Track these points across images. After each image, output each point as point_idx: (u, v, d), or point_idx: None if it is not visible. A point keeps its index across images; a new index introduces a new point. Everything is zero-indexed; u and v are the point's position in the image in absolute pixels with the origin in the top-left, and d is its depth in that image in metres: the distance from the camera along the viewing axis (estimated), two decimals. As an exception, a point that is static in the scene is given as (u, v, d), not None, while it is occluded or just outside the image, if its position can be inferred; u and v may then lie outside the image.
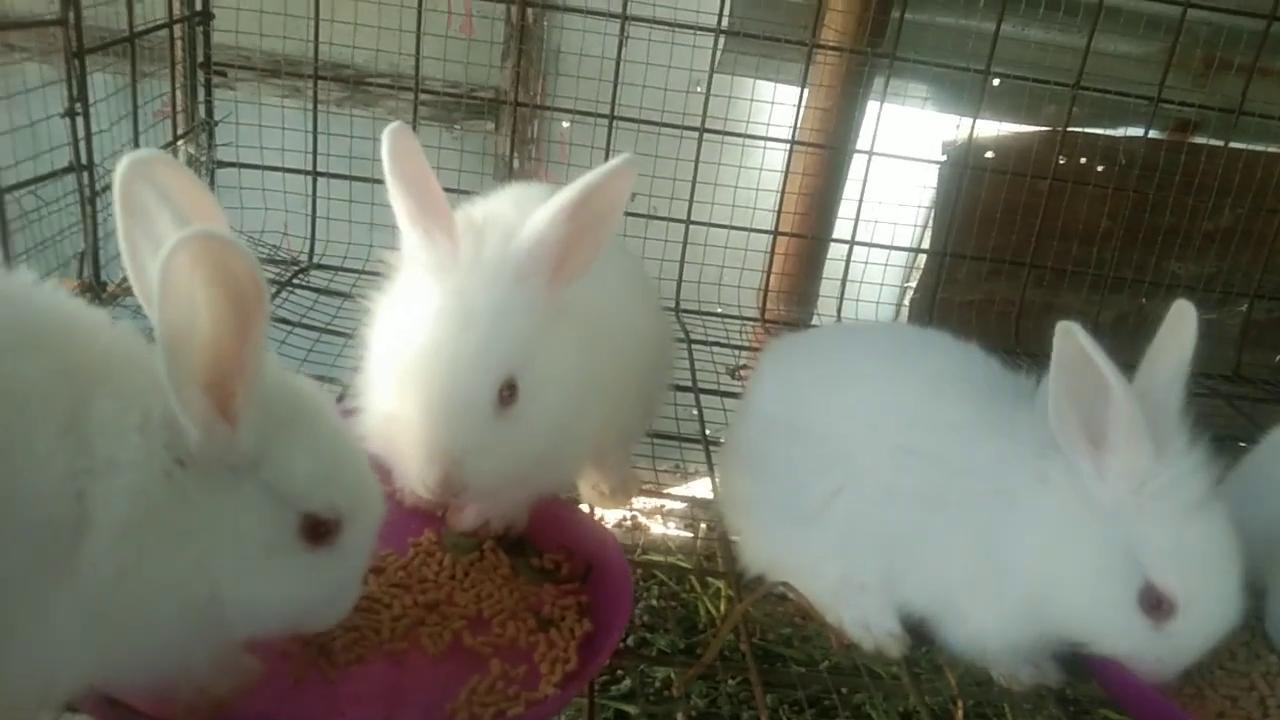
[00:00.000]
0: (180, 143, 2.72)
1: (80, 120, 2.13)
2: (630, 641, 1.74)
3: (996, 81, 2.89)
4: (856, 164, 3.02)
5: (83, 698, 1.03)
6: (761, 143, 2.96)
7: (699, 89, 2.85)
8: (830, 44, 2.92)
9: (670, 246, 2.93)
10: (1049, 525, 1.39)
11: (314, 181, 2.88)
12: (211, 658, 1.06)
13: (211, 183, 2.80)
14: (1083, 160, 3.15)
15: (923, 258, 3.23)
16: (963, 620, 1.47)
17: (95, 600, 0.93)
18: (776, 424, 1.65)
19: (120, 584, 0.93)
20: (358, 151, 2.85)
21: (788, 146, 2.96)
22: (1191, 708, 1.42)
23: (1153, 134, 3.07)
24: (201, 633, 1.02)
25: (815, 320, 3.16)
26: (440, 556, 1.47)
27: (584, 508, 1.79)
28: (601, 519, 1.82)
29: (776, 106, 2.94)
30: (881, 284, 3.11)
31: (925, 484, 1.47)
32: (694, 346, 2.73)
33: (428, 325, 1.32)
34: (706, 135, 2.84)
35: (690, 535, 2.21)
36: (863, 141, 3.00)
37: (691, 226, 2.93)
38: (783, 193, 3.02)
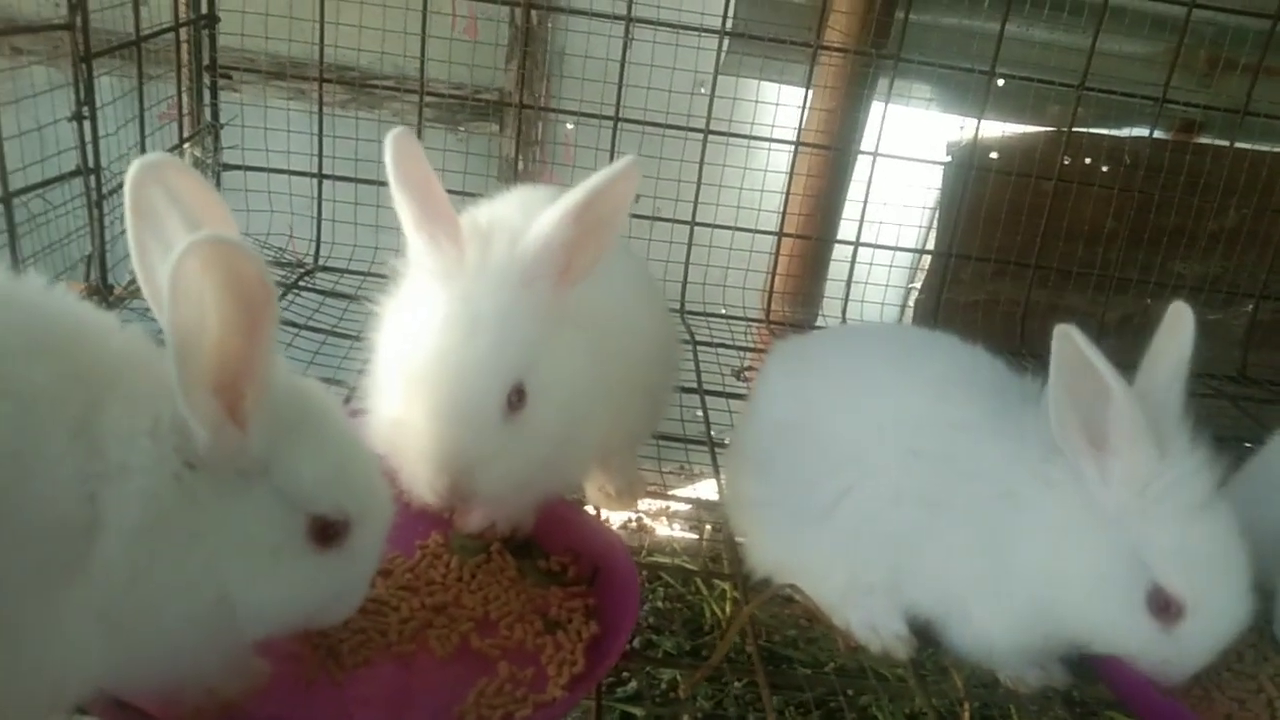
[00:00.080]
0: (186, 145, 2.73)
1: (88, 124, 2.14)
2: (636, 643, 1.74)
3: (1001, 82, 2.89)
4: (861, 165, 3.02)
5: (92, 700, 1.03)
6: (766, 144, 2.96)
7: (703, 90, 2.85)
8: (834, 45, 2.92)
9: (675, 248, 2.93)
10: (1055, 528, 1.39)
11: (319, 184, 2.88)
12: (220, 660, 1.07)
13: (217, 185, 2.80)
14: (1087, 161, 3.15)
15: (927, 259, 3.23)
16: (969, 622, 1.47)
17: (106, 603, 0.93)
18: (783, 426, 1.65)
19: (131, 587, 0.93)
20: (363, 154, 2.86)
21: (792, 148, 2.96)
22: (1199, 710, 1.42)
23: (1157, 134, 3.07)
24: (211, 635, 1.02)
25: (820, 321, 3.16)
26: (447, 559, 1.47)
27: (589, 509, 1.79)
28: (607, 521, 1.82)
29: (781, 108, 2.94)
30: (886, 285, 3.11)
31: (932, 486, 1.47)
32: (699, 348, 2.73)
33: (435, 331, 1.32)
34: (711, 137, 2.84)
35: (695, 537, 2.21)
36: (867, 142, 3.01)
37: (696, 228, 2.93)
38: (787, 194, 3.02)
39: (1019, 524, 1.41)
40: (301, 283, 2.76)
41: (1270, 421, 2.49)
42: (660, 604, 1.91)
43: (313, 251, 2.91)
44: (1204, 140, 3.20)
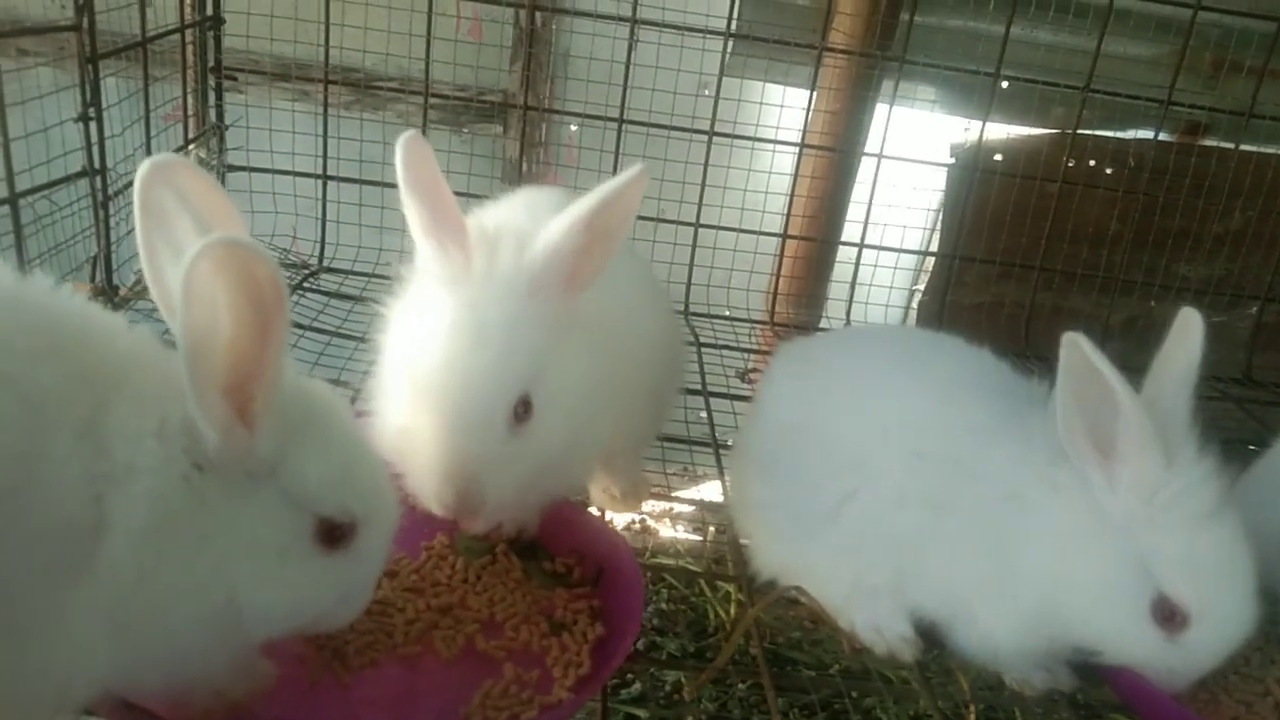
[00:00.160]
0: (191, 147, 2.73)
1: (94, 125, 2.14)
2: (640, 645, 1.74)
3: (1006, 84, 2.89)
4: (865, 167, 3.02)
5: (99, 701, 1.03)
6: (770, 146, 2.96)
7: (708, 92, 2.85)
8: (839, 47, 2.92)
9: (679, 249, 2.93)
10: (1061, 533, 1.39)
11: (324, 185, 2.89)
12: (227, 661, 1.07)
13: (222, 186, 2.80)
14: (1092, 163, 3.15)
15: (931, 260, 3.23)
16: (974, 624, 1.47)
17: (113, 604, 0.93)
18: (788, 428, 1.65)
19: (138, 588, 0.94)
20: (367, 155, 2.86)
21: (796, 149, 2.97)
22: (1205, 713, 1.41)
23: (1162, 136, 3.06)
24: (218, 636, 1.02)
25: (823, 323, 3.16)
26: (453, 560, 1.47)
27: (593, 511, 1.79)
28: (611, 522, 1.82)
29: (785, 110, 2.94)
30: (890, 287, 3.11)
31: (938, 488, 1.47)
32: (703, 350, 2.73)
33: (441, 341, 1.32)
34: (715, 138, 2.85)
35: (699, 538, 2.21)
36: (871, 144, 3.01)
37: (700, 230, 2.93)
38: (791, 196, 3.02)
39: (1025, 527, 1.41)
40: (306, 284, 2.76)
41: (1275, 424, 2.49)
42: (664, 606, 1.91)
43: (317, 253, 2.92)
44: (1209, 142, 3.20)
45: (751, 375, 2.68)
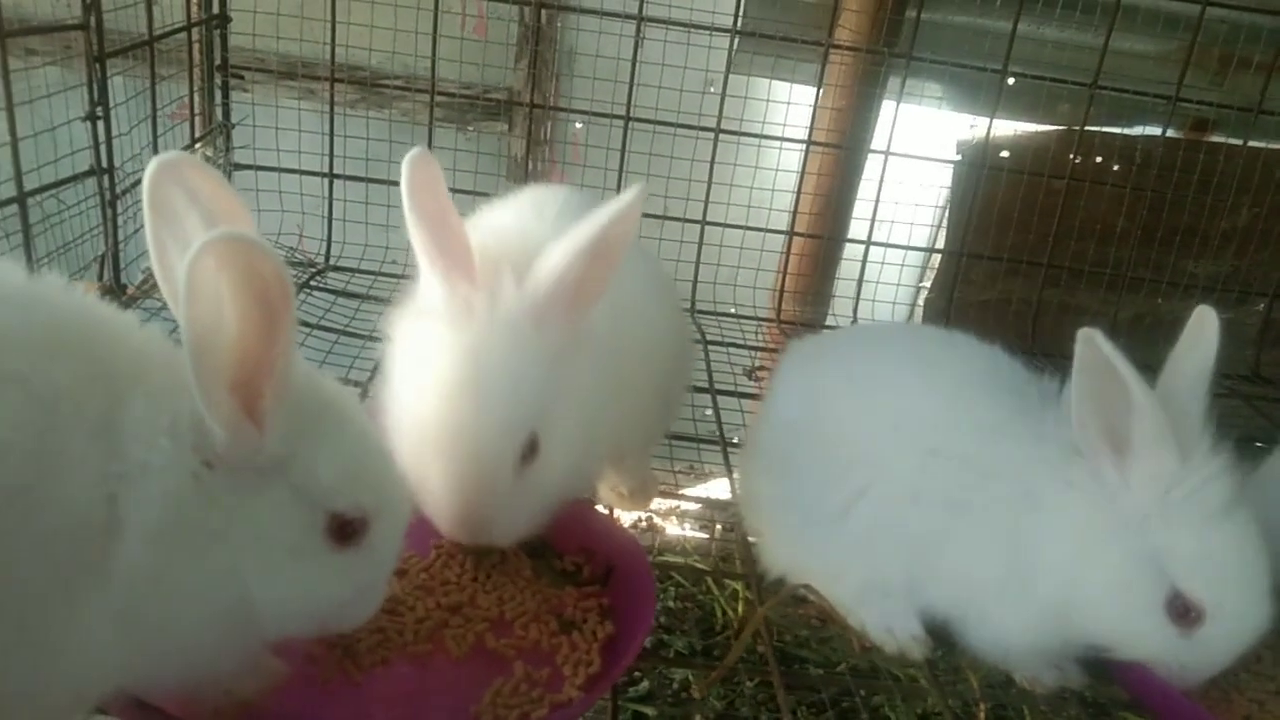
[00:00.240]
0: (198, 145, 2.73)
1: (101, 124, 2.14)
2: (648, 643, 1.74)
3: (1012, 81, 2.88)
4: (872, 164, 3.01)
5: (111, 700, 1.03)
6: (777, 143, 2.95)
7: (714, 89, 2.85)
8: (845, 44, 2.91)
9: (685, 247, 2.93)
10: (1075, 531, 1.39)
11: (330, 183, 2.88)
12: (239, 659, 1.06)
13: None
14: (1099, 159, 3.14)
15: (938, 258, 3.22)
16: (986, 622, 1.46)
17: (126, 603, 0.93)
18: (799, 426, 1.65)
19: (151, 587, 0.93)
20: (373, 153, 2.86)
21: (803, 147, 2.96)
22: (1217, 711, 1.41)
23: (1170, 133, 3.05)
24: (230, 634, 1.02)
25: (830, 321, 3.16)
26: (462, 559, 1.46)
27: (602, 509, 1.79)
28: (618, 520, 1.82)
29: (791, 107, 2.93)
30: (897, 284, 3.10)
31: (950, 486, 1.47)
32: (710, 347, 2.72)
33: (447, 390, 1.30)
34: (722, 136, 2.84)
35: (706, 536, 2.21)
36: (878, 141, 3.00)
37: (707, 227, 2.92)
38: (798, 193, 3.02)
39: (1038, 525, 1.40)
40: (313, 282, 2.77)
41: (1284, 421, 2.49)
42: (672, 604, 1.91)
43: (324, 251, 2.91)
44: (1216, 139, 3.18)
45: (758, 373, 2.68)
